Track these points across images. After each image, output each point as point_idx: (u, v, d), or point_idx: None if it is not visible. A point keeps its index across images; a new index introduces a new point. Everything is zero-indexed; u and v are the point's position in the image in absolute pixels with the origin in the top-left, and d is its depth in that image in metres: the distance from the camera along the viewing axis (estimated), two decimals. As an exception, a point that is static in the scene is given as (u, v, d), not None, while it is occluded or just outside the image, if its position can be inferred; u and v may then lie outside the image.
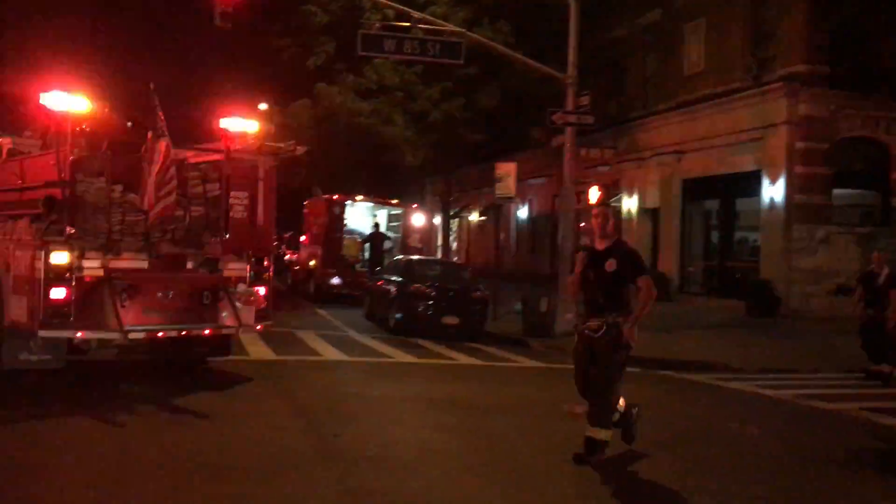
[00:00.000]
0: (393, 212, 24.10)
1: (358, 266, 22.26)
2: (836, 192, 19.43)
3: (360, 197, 23.72)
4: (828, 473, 6.85)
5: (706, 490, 6.05)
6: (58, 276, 7.82)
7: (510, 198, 18.86)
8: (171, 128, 8.21)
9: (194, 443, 6.67)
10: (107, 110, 10.88)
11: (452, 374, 11.29)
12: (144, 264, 8.46)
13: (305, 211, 26.83)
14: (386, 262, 20.89)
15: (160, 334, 8.46)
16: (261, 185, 9.44)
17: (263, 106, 32.24)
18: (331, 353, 12.49)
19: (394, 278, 17.00)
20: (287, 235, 41.29)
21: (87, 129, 9.61)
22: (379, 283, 17.91)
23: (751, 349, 14.32)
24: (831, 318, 18.20)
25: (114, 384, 8.94)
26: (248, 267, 9.22)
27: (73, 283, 7.91)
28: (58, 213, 8.02)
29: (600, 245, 6.73)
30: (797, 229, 18.68)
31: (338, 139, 23.92)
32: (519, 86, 21.97)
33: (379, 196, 25.29)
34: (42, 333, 7.84)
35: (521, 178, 20.23)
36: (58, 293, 7.83)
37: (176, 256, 8.70)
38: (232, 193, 9.11)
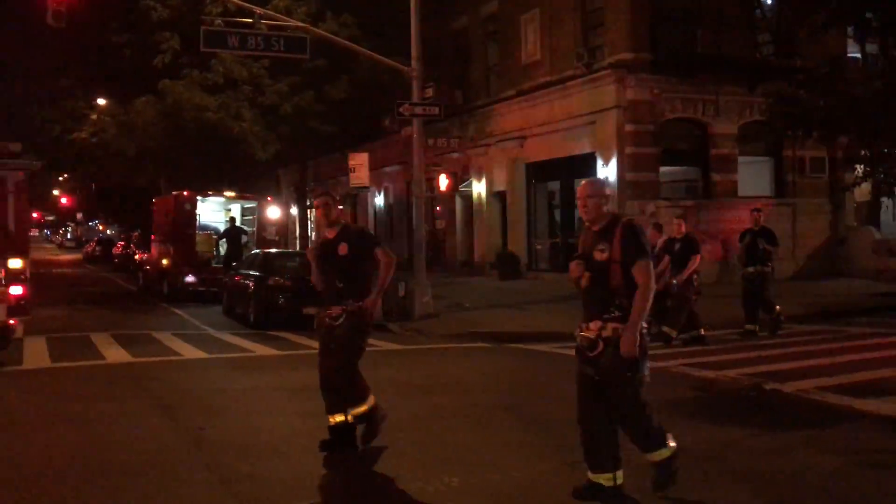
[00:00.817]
0: (247, 205, 23.98)
1: (213, 262, 22.09)
2: (663, 169, 21.10)
3: (211, 192, 23.46)
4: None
5: (549, 445, 6.80)
6: None
7: (364, 187, 19.32)
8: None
9: (64, 445, 6.78)
10: None
11: (315, 363, 11.64)
12: None
13: (154, 209, 26.23)
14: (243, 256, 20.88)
15: None
16: (10, 196, 10.94)
17: (102, 101, 31.09)
18: (190, 351, 12.56)
19: (252, 272, 17.10)
20: (135, 234, 40.02)
21: None
22: (237, 279, 17.94)
23: (575, 317, 15.46)
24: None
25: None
26: (2, 270, 10.65)
27: None
28: None
29: (330, 234, 6.71)
30: (630, 205, 20.16)
31: (185, 135, 23.52)
32: (368, 77, 22.42)
33: (232, 190, 25.08)
34: None
35: (375, 167, 20.79)
36: None
37: None
38: None
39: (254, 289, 16.40)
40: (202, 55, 21.10)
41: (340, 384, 6.56)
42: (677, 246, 12.42)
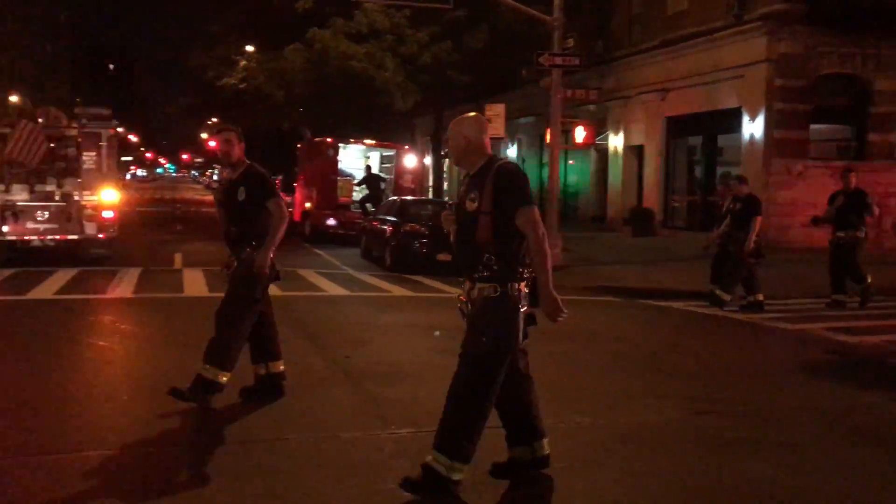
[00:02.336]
0: (385, 153, 24.67)
1: (353, 207, 22.97)
2: (814, 127, 20.11)
3: (352, 140, 24.24)
4: (784, 380, 7.73)
5: (677, 394, 6.91)
6: None
7: (499, 138, 19.48)
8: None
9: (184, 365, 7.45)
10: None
11: (449, 305, 12.05)
12: (26, 195, 14.75)
13: (298, 154, 27.37)
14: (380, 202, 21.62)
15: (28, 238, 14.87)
16: (104, 147, 15.32)
17: (250, 48, 32.45)
18: (333, 288, 13.26)
19: (389, 218, 17.72)
20: (278, 178, 41.90)
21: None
22: (374, 224, 18.64)
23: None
24: (807, 248, 19.10)
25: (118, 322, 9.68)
26: (99, 199, 15.11)
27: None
28: None
29: (232, 174, 6.19)
30: (775, 164, 19.41)
31: (329, 83, 24.32)
32: (507, 27, 22.36)
33: (371, 138, 25.82)
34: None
35: (510, 118, 20.86)
36: None
37: (47, 193, 14.92)
38: (84, 153, 15.12)
39: (390, 234, 17.00)
40: (345, 5, 21.64)
41: (216, 335, 6.04)
42: (738, 206, 11.85)
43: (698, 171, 23.79)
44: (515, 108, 26.57)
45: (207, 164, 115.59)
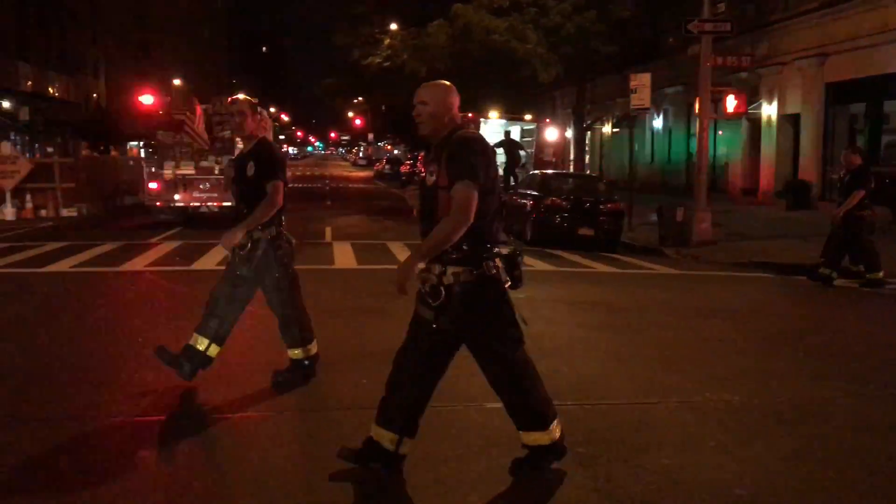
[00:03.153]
0: (526, 127, 24.59)
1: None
2: None
3: (493, 114, 24.30)
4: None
5: (832, 374, 6.58)
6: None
7: (645, 109, 18.97)
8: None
9: (370, 333, 7.75)
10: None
11: (590, 280, 12.00)
12: (192, 170, 17.97)
13: (440, 129, 27.67)
14: (520, 176, 21.61)
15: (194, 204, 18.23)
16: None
17: (394, 27, 33.02)
18: (475, 262, 13.38)
19: (529, 192, 17.68)
20: (420, 154, 42.59)
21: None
22: (514, 198, 18.66)
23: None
24: None
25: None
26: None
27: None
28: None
29: (244, 148, 5.83)
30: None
31: (471, 58, 24.43)
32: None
33: (511, 112, 25.78)
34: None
35: (656, 87, 20.23)
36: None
37: (208, 168, 18.01)
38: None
39: (531, 208, 16.97)
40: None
41: (208, 304, 5.83)
42: (847, 178, 11.18)
43: (861, 141, 22.24)
44: (662, 77, 25.72)
45: (354, 142, 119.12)
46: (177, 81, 63.89)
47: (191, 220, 18.34)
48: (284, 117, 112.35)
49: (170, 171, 17.91)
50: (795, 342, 7.96)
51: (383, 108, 61.86)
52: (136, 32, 64.48)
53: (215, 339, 5.72)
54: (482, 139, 4.02)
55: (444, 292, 3.90)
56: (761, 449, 4.86)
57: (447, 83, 4.14)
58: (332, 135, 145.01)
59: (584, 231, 16.07)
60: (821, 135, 22.78)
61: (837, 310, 10.06)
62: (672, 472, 4.47)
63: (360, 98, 61.12)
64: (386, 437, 4.10)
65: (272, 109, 27.05)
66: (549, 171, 19.86)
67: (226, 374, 6.18)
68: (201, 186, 17.97)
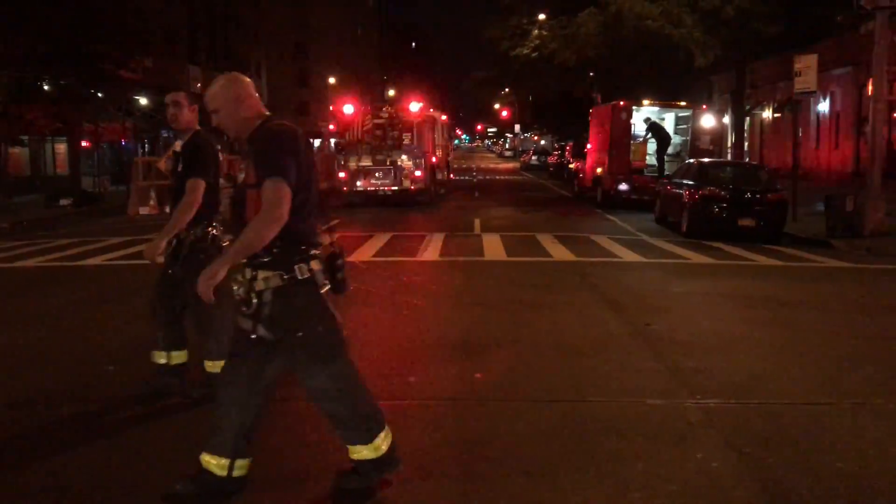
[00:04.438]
0: (681, 114, 23.76)
1: (646, 171, 22.49)
2: None
3: (646, 101, 23.64)
4: None
5: None
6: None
7: (810, 92, 17.90)
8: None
9: (521, 323, 7.76)
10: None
11: (752, 274, 11.47)
12: (371, 162, 22.69)
13: (591, 119, 27.27)
14: (674, 165, 20.96)
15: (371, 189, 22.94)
16: (414, 130, 23.27)
17: (542, 17, 32.80)
18: (627, 254, 13.13)
19: (685, 181, 17.10)
20: (569, 144, 42.17)
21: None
22: (669, 188, 18.11)
23: None
24: None
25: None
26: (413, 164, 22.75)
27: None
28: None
29: (178, 145, 5.35)
30: None
31: (624, 45, 23.88)
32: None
33: (664, 99, 24.99)
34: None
35: (822, 69, 19.04)
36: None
37: (382, 160, 22.79)
38: (403, 134, 23.01)
39: (688, 198, 16.41)
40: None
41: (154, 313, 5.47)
42: None
43: None
44: (829, 57, 24.22)
45: (500, 133, 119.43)
46: (332, 80, 66.23)
47: (370, 200, 23.02)
48: (428, 110, 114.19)
49: (354, 163, 22.75)
50: None
51: (530, 98, 61.63)
52: (293, 34, 67.31)
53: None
54: (292, 131, 3.64)
55: (255, 299, 3.58)
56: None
57: (226, 77, 3.77)
58: (479, 127, 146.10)
59: (745, 222, 15.39)
60: None
61: None
62: (847, 476, 4.21)
63: (506, 90, 61.20)
64: (214, 464, 3.75)
65: (417, 103, 27.42)
66: (707, 160, 19.10)
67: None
68: (377, 174, 22.71)
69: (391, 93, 79.93)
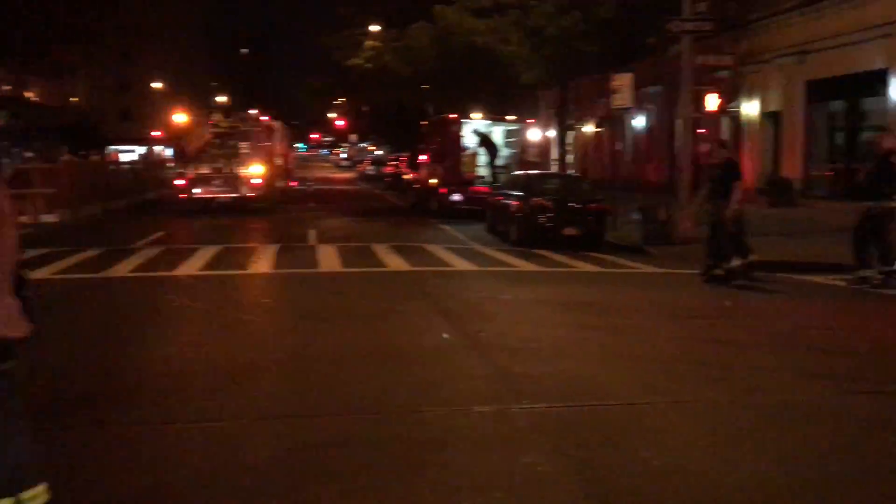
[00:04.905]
0: (509, 128, 24.60)
1: (477, 182, 23.10)
2: (973, 86, 18.54)
3: (476, 115, 24.30)
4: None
5: (823, 372, 6.61)
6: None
7: (626, 108, 19.04)
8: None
9: (357, 335, 7.70)
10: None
11: (576, 280, 12.01)
12: (209, 170, 23.37)
13: (423, 131, 27.70)
14: (504, 176, 21.66)
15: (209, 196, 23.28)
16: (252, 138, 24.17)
17: (376, 28, 33.00)
18: (460, 263, 13.38)
19: (514, 193, 17.69)
20: (403, 156, 42.56)
21: None
22: (499, 198, 18.67)
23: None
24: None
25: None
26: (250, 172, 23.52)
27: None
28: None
29: None
30: (927, 129, 18.03)
31: (454, 59, 24.44)
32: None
33: (493, 113, 25.79)
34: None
35: (637, 87, 20.31)
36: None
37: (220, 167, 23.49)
38: (241, 143, 23.91)
39: (516, 208, 16.97)
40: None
41: None
42: (717, 172, 11.36)
43: (840, 138, 22.43)
44: (644, 76, 25.81)
45: (336, 144, 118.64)
46: (157, 85, 63.27)
47: (206, 208, 23.12)
48: (263, 118, 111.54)
49: (192, 171, 23.29)
50: (785, 340, 8.00)
51: (366, 109, 61.75)
52: (113, 37, 63.66)
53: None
54: None
55: None
56: (751, 449, 4.85)
57: None
58: (315, 136, 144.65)
59: (570, 231, 16.11)
60: (802, 132, 22.94)
61: (828, 307, 10.11)
62: (662, 474, 4.45)
63: (342, 99, 61.01)
64: None
65: (253, 111, 27.10)
66: (533, 172, 19.87)
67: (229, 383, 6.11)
68: (215, 182, 23.29)
69: (222, 99, 77.52)
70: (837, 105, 22.39)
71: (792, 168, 23.10)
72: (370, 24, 33.54)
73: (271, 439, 4.94)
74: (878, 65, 19.49)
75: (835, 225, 17.98)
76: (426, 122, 28.21)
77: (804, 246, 15.19)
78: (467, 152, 23.92)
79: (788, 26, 22.82)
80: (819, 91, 22.36)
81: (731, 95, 25.55)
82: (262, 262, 13.06)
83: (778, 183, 23.05)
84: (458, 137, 23.34)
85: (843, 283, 11.45)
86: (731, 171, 11.55)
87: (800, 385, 6.31)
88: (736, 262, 11.44)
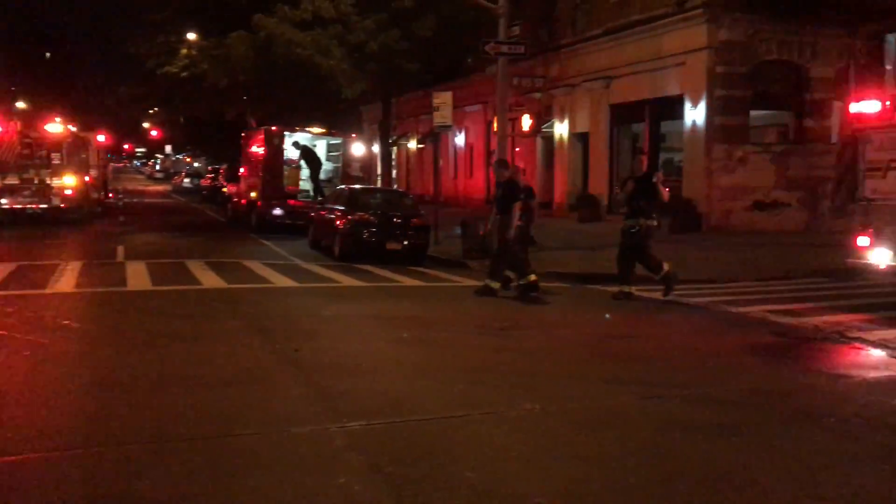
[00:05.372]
0: (332, 141, 24.45)
1: (299, 196, 22.75)
2: (754, 113, 20.57)
3: (298, 128, 23.96)
4: (731, 363, 7.90)
5: (629, 379, 7.01)
6: None
7: (447, 126, 19.44)
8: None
9: (168, 358, 7.32)
10: None
11: (399, 295, 12.09)
12: (17, 180, 22.38)
13: (243, 143, 26.98)
14: (327, 190, 21.49)
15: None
16: (65, 148, 23.46)
17: (192, 36, 31.80)
18: (280, 280, 13.10)
19: (337, 207, 17.57)
20: (223, 167, 41.19)
21: None
22: (322, 213, 18.48)
23: (674, 263, 15.42)
24: (749, 231, 19.58)
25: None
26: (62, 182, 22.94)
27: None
28: None
29: None
30: (717, 149, 19.80)
31: (275, 70, 23.98)
32: (454, 15, 22.29)
33: (317, 126, 25.56)
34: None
35: (457, 106, 20.85)
36: None
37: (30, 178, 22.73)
38: (52, 153, 23.10)
39: (339, 223, 16.86)
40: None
41: None
42: (499, 192, 11.91)
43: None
44: (463, 95, 26.58)
45: (150, 155, 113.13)
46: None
47: (15, 219, 22.24)
48: (72, 128, 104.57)
49: None
50: (594, 349, 8.42)
51: (182, 119, 59.26)
52: None
53: None
54: None
55: None
56: (563, 456, 5.05)
57: None
58: (127, 146, 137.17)
59: (393, 246, 16.19)
60: (607, 152, 24.46)
61: (633, 317, 10.72)
62: (477, 485, 4.52)
63: (157, 108, 58.23)
64: None
65: (58, 120, 25.27)
66: (357, 187, 19.84)
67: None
68: (25, 192, 22.57)
69: (21, 105, 71.79)
70: (639, 127, 24.09)
71: (599, 185, 24.56)
72: (186, 32, 32.26)
73: (66, 473, 4.56)
74: (675, 91, 21.19)
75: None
76: (246, 134, 27.48)
77: (608, 258, 16.12)
78: (289, 166, 23.53)
79: (595, 53, 24.32)
80: (623, 114, 23.99)
81: (543, 116, 26.86)
82: (64, 281, 12.15)
83: (587, 199, 24.43)
84: (279, 150, 22.91)
85: (651, 296, 12.24)
86: (511, 191, 11.73)
87: (604, 392, 6.65)
88: (501, 281, 11.71)
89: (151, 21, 33.34)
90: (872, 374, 7.66)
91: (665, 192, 11.66)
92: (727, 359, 8.11)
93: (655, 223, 11.65)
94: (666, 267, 11.69)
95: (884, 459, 5.10)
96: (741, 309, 10.81)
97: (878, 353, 8.29)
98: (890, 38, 10.45)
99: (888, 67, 18.56)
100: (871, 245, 10.39)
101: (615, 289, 11.76)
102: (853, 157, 10.84)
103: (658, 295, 11.75)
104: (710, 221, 20.13)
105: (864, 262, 10.64)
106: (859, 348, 8.49)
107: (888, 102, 10.39)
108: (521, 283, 11.69)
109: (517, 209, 11.61)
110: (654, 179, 11.70)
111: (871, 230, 10.40)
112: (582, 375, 7.19)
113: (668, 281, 11.64)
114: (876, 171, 10.41)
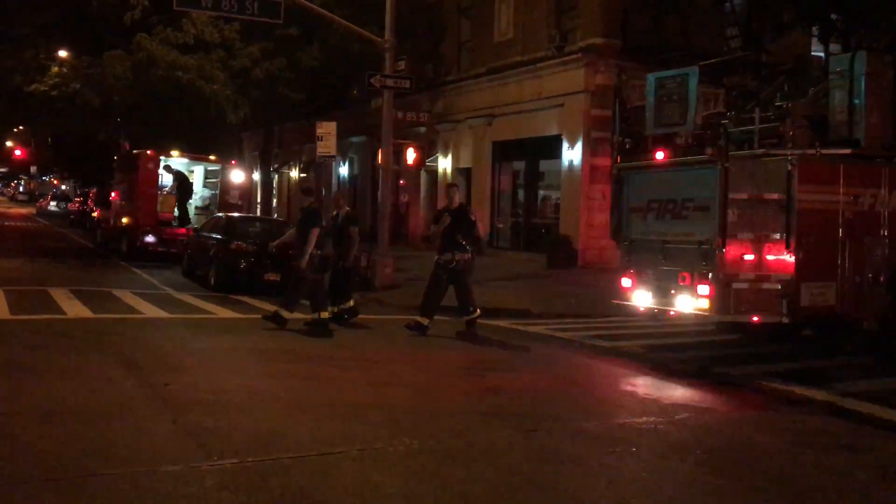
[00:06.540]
0: (210, 168, 23.85)
1: (174, 223, 22.01)
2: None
3: (175, 152, 23.24)
4: (604, 392, 8.14)
5: (503, 412, 7.09)
6: None
7: (331, 156, 19.33)
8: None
9: (25, 392, 6.87)
10: None
11: (275, 328, 11.79)
12: None
13: (116, 166, 25.94)
14: (204, 218, 20.89)
15: None
16: None
17: (63, 53, 30.39)
18: (151, 310, 12.59)
19: (214, 235, 17.08)
20: (92, 191, 39.37)
21: None
22: (198, 241, 17.91)
23: (551, 297, 15.84)
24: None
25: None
26: None
27: None
28: None
29: None
30: (591, 189, 20.52)
31: (153, 93, 23.21)
32: (339, 46, 22.28)
33: (195, 151, 24.88)
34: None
35: (342, 136, 20.77)
36: None
37: None
38: None
39: (215, 252, 16.39)
40: (174, 15, 20.74)
41: None
42: (300, 218, 12.03)
43: (521, 195, 24.73)
44: (348, 126, 26.50)
45: (12, 176, 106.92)
46: None
47: None
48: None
49: None
50: (471, 382, 8.47)
51: (49, 139, 56.40)
52: None
53: None
54: None
55: None
56: (435, 490, 5.04)
57: None
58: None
59: (271, 276, 15.82)
60: (489, 188, 24.94)
61: (513, 352, 10.85)
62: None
63: (21, 127, 55.24)
64: None
65: None
66: (235, 214, 19.37)
67: None
68: None
69: None
70: (520, 164, 24.72)
71: (480, 220, 24.87)
72: (56, 49, 30.78)
73: None
74: (553, 131, 21.88)
75: (516, 272, 19.75)
76: (119, 157, 26.43)
77: (491, 292, 16.37)
78: (164, 191, 22.76)
79: (478, 90, 24.86)
80: (504, 151, 24.57)
81: (428, 150, 27.14)
82: None
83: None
84: (154, 175, 22.14)
85: (526, 329, 12.48)
86: (310, 218, 11.66)
87: (479, 426, 6.69)
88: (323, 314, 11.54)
89: (16, 35, 31.65)
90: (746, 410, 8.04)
91: (480, 227, 11.62)
92: (603, 390, 8.32)
93: (470, 256, 11.51)
94: (476, 312, 11.60)
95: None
96: (614, 343, 11.14)
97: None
98: (650, 77, 10.67)
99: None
100: (633, 287, 10.26)
101: (413, 321, 11.44)
102: (618, 196, 10.79)
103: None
104: (585, 257, 20.78)
105: (628, 303, 10.44)
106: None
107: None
108: (314, 316, 11.45)
109: (314, 236, 11.40)
110: (471, 215, 11.74)
111: (632, 272, 10.30)
112: (458, 409, 7.20)
113: (470, 325, 11.55)
114: (637, 213, 10.42)
